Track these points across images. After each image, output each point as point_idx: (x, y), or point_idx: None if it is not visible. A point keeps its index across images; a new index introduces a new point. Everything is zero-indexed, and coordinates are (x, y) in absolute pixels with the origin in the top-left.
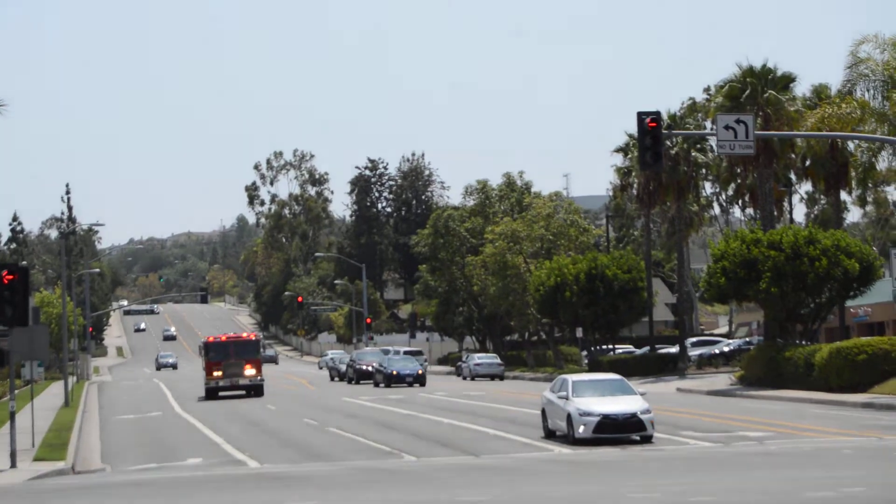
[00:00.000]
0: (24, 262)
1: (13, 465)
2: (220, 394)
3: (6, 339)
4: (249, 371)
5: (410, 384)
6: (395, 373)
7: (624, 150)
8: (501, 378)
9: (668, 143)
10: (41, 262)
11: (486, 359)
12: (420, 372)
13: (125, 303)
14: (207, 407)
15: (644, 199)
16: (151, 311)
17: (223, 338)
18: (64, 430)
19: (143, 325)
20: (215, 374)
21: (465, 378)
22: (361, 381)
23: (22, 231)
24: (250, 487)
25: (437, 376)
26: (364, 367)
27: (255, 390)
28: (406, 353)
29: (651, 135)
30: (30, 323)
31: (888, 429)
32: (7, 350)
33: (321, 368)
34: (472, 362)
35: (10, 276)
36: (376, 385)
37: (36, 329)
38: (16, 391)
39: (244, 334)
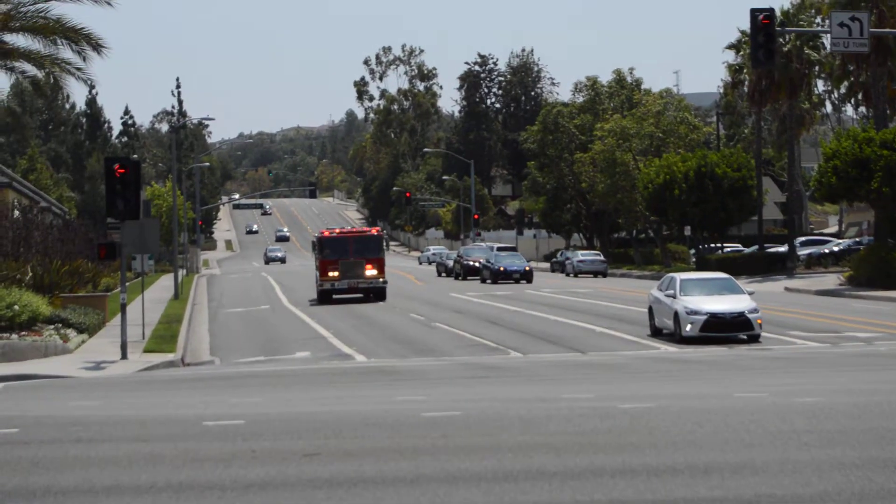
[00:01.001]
0: (136, 156)
1: (124, 356)
2: (336, 297)
3: (118, 232)
4: (371, 272)
5: (518, 280)
6: (502, 269)
7: (736, 46)
8: (605, 275)
9: (781, 40)
10: (152, 156)
11: (589, 255)
12: (527, 268)
13: (237, 196)
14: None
15: (755, 96)
16: (261, 207)
17: (339, 232)
18: (173, 322)
19: (255, 227)
20: (331, 273)
21: (567, 274)
22: (469, 277)
23: (133, 125)
24: (357, 381)
25: (543, 273)
26: (471, 263)
27: (376, 293)
28: (499, 248)
29: (764, 32)
30: (141, 216)
31: None
32: (119, 242)
33: (420, 264)
34: (575, 259)
35: (122, 170)
36: (483, 281)
37: (147, 222)
38: (127, 283)
39: (366, 229)
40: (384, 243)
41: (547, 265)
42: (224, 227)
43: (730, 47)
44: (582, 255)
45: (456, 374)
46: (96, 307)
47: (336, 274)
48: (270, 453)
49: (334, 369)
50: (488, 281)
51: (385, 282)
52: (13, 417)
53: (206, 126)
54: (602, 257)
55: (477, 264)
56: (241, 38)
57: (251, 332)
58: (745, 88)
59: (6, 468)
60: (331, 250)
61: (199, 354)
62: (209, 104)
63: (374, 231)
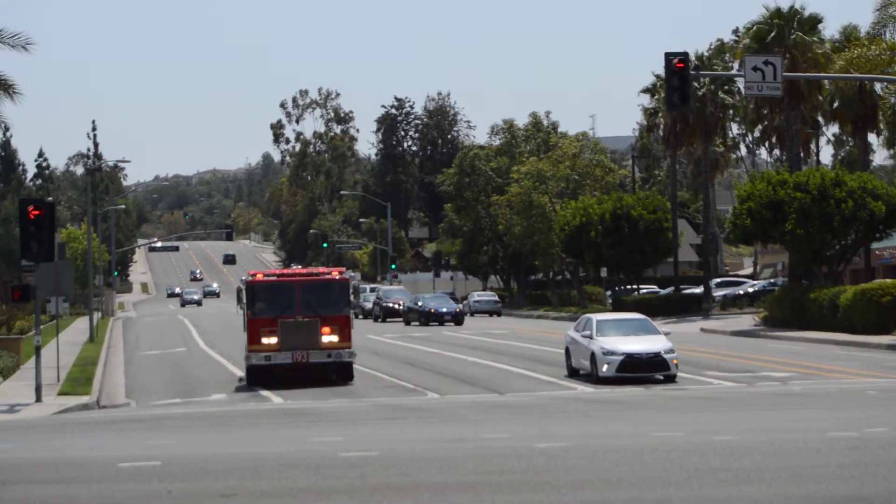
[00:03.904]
0: (50, 198)
1: (38, 399)
2: (275, 375)
3: (32, 275)
4: (329, 337)
5: (448, 322)
6: (432, 311)
7: (651, 90)
8: (499, 314)
9: (696, 84)
10: (67, 199)
11: (484, 296)
12: (458, 310)
13: (156, 240)
14: (232, 342)
15: (671, 139)
16: (177, 249)
17: (280, 274)
18: (89, 364)
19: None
20: (265, 340)
21: (468, 314)
22: (388, 319)
23: (48, 167)
24: (274, 424)
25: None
26: (391, 305)
27: (338, 371)
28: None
29: (679, 76)
30: (55, 258)
31: None
32: (33, 285)
33: None
34: (472, 300)
35: (37, 212)
36: (407, 323)
37: (61, 264)
38: (41, 326)
39: (321, 269)
40: (350, 291)
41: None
42: (140, 270)
43: (645, 91)
44: (478, 296)
45: (373, 416)
46: (10, 349)
47: (274, 341)
48: (187, 494)
49: (251, 411)
50: (414, 323)
51: (352, 353)
52: None
53: (122, 168)
54: (496, 298)
55: (397, 306)
56: (156, 80)
57: (167, 374)
58: (661, 132)
59: None
60: (266, 303)
61: (114, 397)
62: (125, 146)
63: (334, 274)
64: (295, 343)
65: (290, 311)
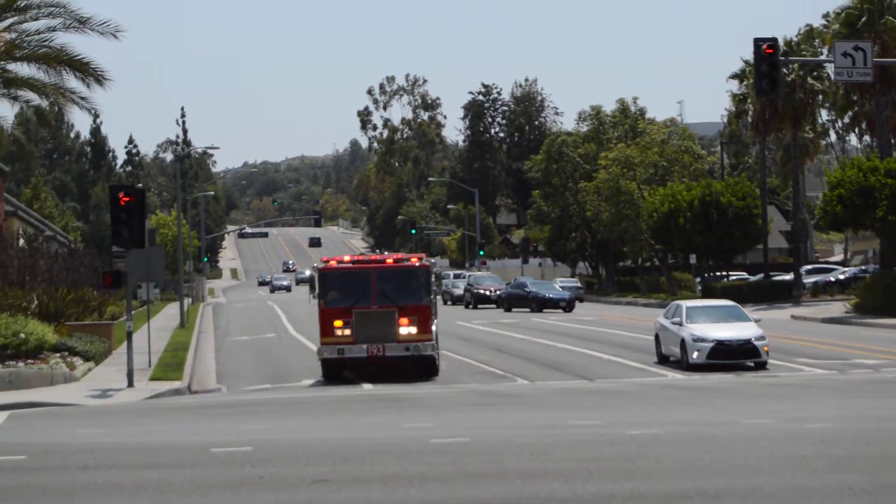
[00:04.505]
0: (140, 185)
1: (130, 384)
2: (352, 369)
3: (123, 261)
4: (407, 329)
5: (564, 309)
6: (547, 296)
7: (740, 76)
8: (581, 301)
9: (785, 69)
10: (157, 185)
11: (567, 283)
12: (571, 297)
13: (246, 227)
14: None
15: (759, 126)
16: (265, 236)
17: (354, 260)
18: (180, 350)
19: (291, 264)
20: (338, 333)
21: None
22: (480, 306)
23: (138, 154)
24: (365, 409)
25: None
26: (482, 292)
27: (419, 366)
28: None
29: (768, 61)
30: (146, 244)
31: None
32: (124, 271)
33: None
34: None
35: (127, 198)
36: (508, 310)
37: (152, 250)
38: (132, 312)
39: (400, 256)
40: (431, 279)
41: None
42: (229, 256)
43: (734, 77)
44: (561, 283)
45: (464, 402)
46: (102, 335)
47: (347, 333)
48: (279, 479)
49: (341, 396)
50: (520, 309)
51: (433, 346)
52: (20, 444)
53: (211, 155)
54: (579, 284)
55: (488, 292)
56: (245, 67)
57: (257, 359)
58: (749, 118)
59: (14, 495)
60: (339, 292)
61: (205, 382)
62: (214, 133)
63: (413, 260)
64: (370, 335)
65: (366, 301)
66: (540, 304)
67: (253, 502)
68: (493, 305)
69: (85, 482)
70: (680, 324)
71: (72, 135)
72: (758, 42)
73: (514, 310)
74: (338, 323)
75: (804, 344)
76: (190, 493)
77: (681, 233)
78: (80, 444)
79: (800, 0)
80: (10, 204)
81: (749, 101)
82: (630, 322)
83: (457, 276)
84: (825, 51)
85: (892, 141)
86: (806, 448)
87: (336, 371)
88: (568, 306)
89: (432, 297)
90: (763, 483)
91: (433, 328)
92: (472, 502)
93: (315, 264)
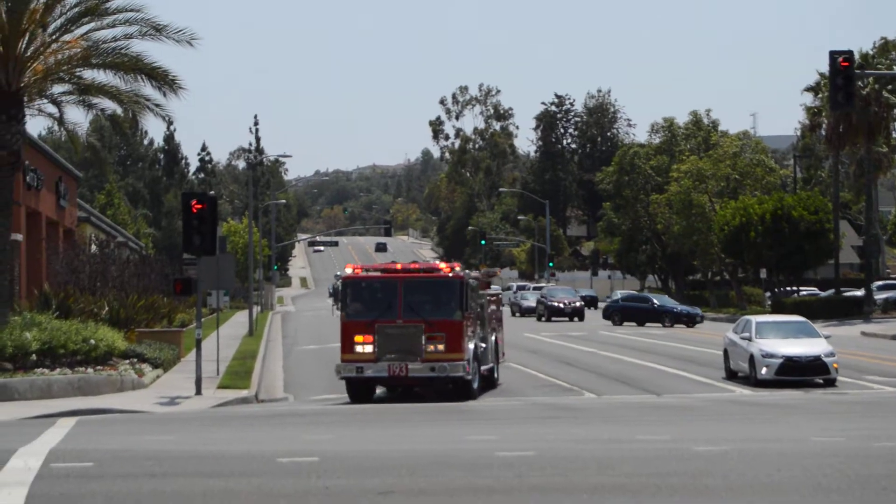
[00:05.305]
0: (213, 192)
1: (198, 391)
2: (373, 391)
3: (194, 268)
4: (435, 346)
5: (687, 324)
6: (677, 311)
7: (814, 89)
8: None
9: (860, 83)
10: (228, 193)
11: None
12: (691, 311)
13: (318, 238)
14: None
15: (833, 139)
16: (335, 244)
17: (380, 269)
18: (248, 358)
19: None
20: (358, 349)
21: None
22: (553, 319)
23: (210, 161)
24: (429, 421)
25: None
26: (556, 304)
27: (455, 386)
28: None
29: (843, 74)
30: (217, 252)
31: None
32: (195, 278)
33: None
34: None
35: (200, 206)
36: (620, 323)
37: (223, 258)
38: (202, 319)
39: (432, 265)
40: (467, 291)
41: None
42: (299, 265)
43: (808, 90)
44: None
45: (529, 414)
46: (171, 342)
47: (368, 350)
48: (344, 490)
49: (406, 408)
50: (628, 323)
51: (464, 366)
52: (88, 451)
53: (283, 163)
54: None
55: (562, 305)
56: (318, 77)
57: (325, 369)
58: (823, 131)
59: (81, 502)
60: (362, 304)
61: (273, 391)
62: (286, 142)
63: (445, 269)
64: (393, 352)
65: (391, 315)
66: (673, 318)
67: None
68: (567, 318)
69: (152, 490)
70: (749, 339)
71: (145, 142)
72: (833, 55)
73: (623, 322)
74: (358, 338)
75: (874, 361)
76: (256, 503)
77: (751, 247)
78: (147, 451)
79: (875, 13)
80: (83, 210)
81: (823, 114)
82: (697, 336)
83: (520, 288)
84: None
85: None
86: (876, 467)
87: (363, 392)
88: (688, 320)
89: (466, 312)
90: (832, 501)
91: (469, 346)
92: None
93: (337, 273)
